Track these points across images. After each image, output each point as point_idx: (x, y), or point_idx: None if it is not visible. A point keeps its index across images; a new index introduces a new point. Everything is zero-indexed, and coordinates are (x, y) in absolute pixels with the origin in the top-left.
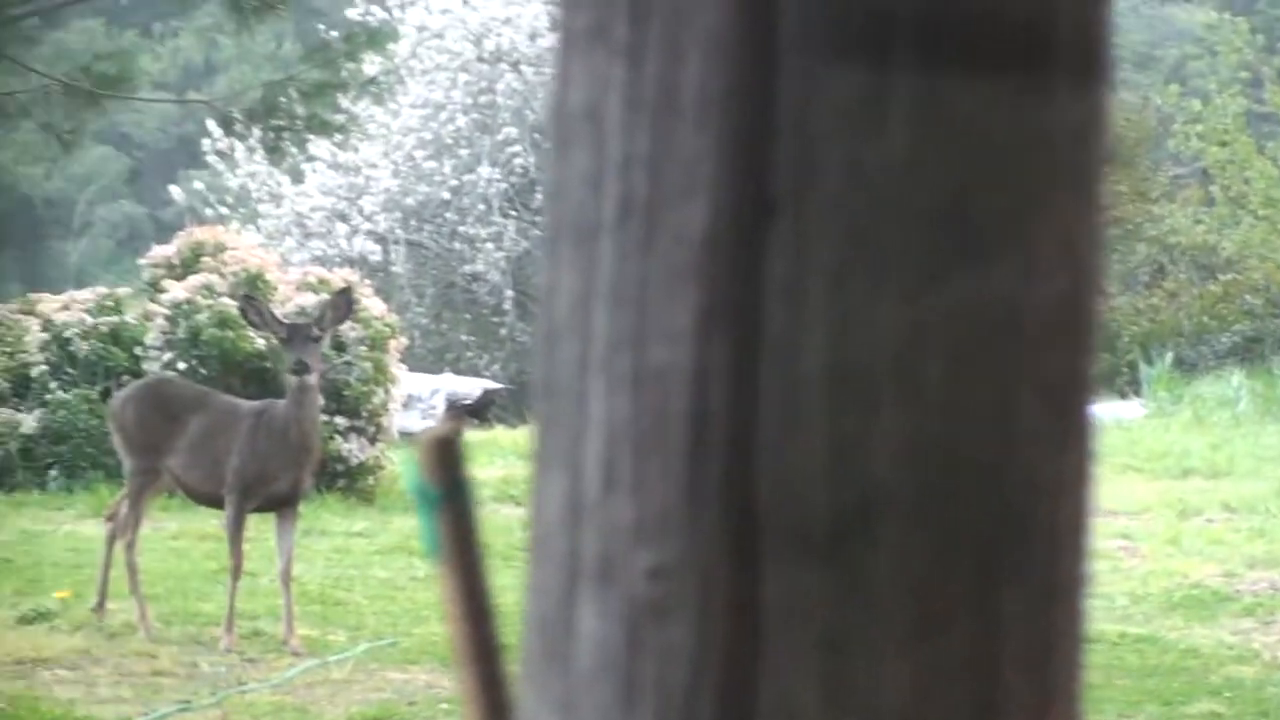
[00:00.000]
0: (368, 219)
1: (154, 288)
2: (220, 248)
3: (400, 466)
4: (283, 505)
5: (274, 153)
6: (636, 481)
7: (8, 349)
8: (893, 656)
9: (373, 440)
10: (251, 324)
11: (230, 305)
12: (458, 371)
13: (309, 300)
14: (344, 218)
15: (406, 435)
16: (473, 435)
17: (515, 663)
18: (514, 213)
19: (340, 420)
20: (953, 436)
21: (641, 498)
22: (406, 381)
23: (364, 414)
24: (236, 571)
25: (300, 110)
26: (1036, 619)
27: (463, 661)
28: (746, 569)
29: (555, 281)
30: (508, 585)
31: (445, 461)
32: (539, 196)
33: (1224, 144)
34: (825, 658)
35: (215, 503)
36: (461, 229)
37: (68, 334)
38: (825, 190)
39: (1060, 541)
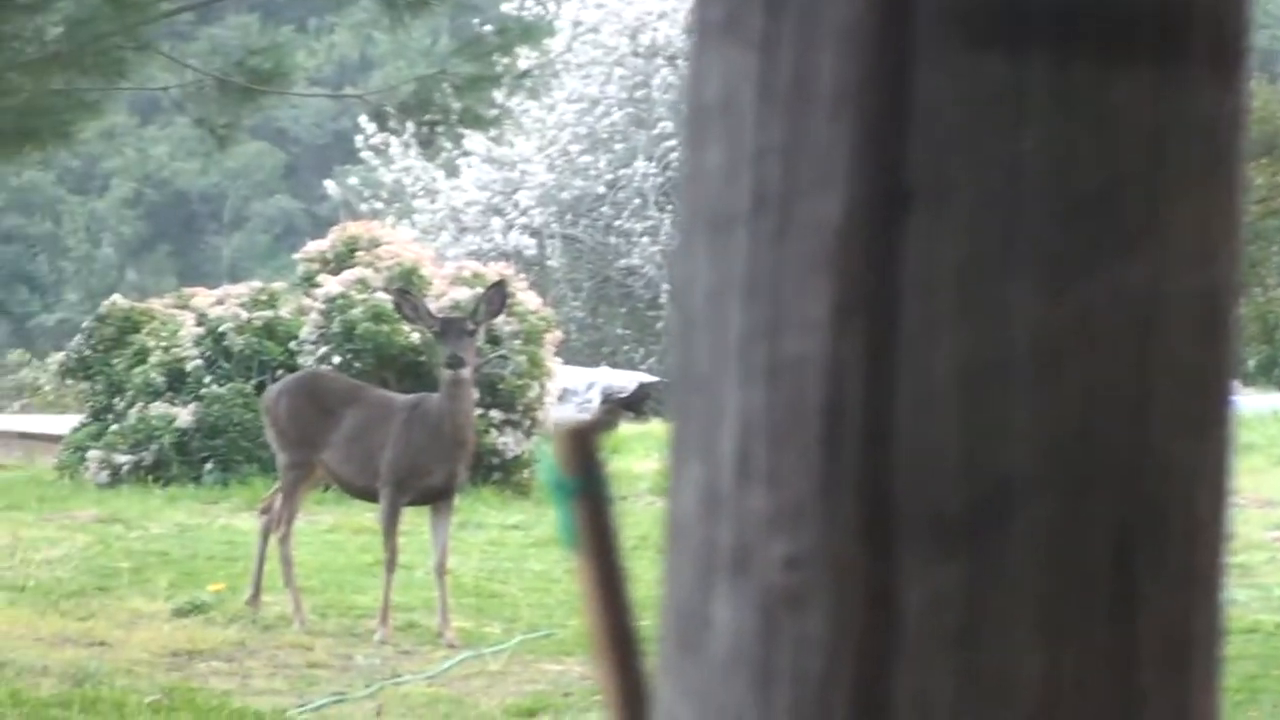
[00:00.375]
0: (523, 213)
1: (308, 282)
2: (375, 242)
3: (537, 458)
4: (438, 499)
5: (428, 147)
6: (772, 472)
7: (163, 343)
8: (1028, 648)
9: (528, 434)
10: (406, 318)
11: (385, 299)
12: (613, 365)
13: (463, 295)
14: (499, 212)
15: None
16: (628, 428)
17: (653, 653)
18: (669, 207)
19: (495, 414)
20: (1089, 426)
21: (777, 488)
22: (562, 375)
23: (519, 408)
24: (391, 564)
25: (454, 104)
26: (1175, 609)
27: (601, 652)
28: (881, 559)
29: (690, 273)
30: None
31: (581, 453)
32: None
33: None
34: (960, 649)
35: (369, 496)
36: (617, 223)
37: (222, 328)
38: (961, 182)
39: (1198, 531)
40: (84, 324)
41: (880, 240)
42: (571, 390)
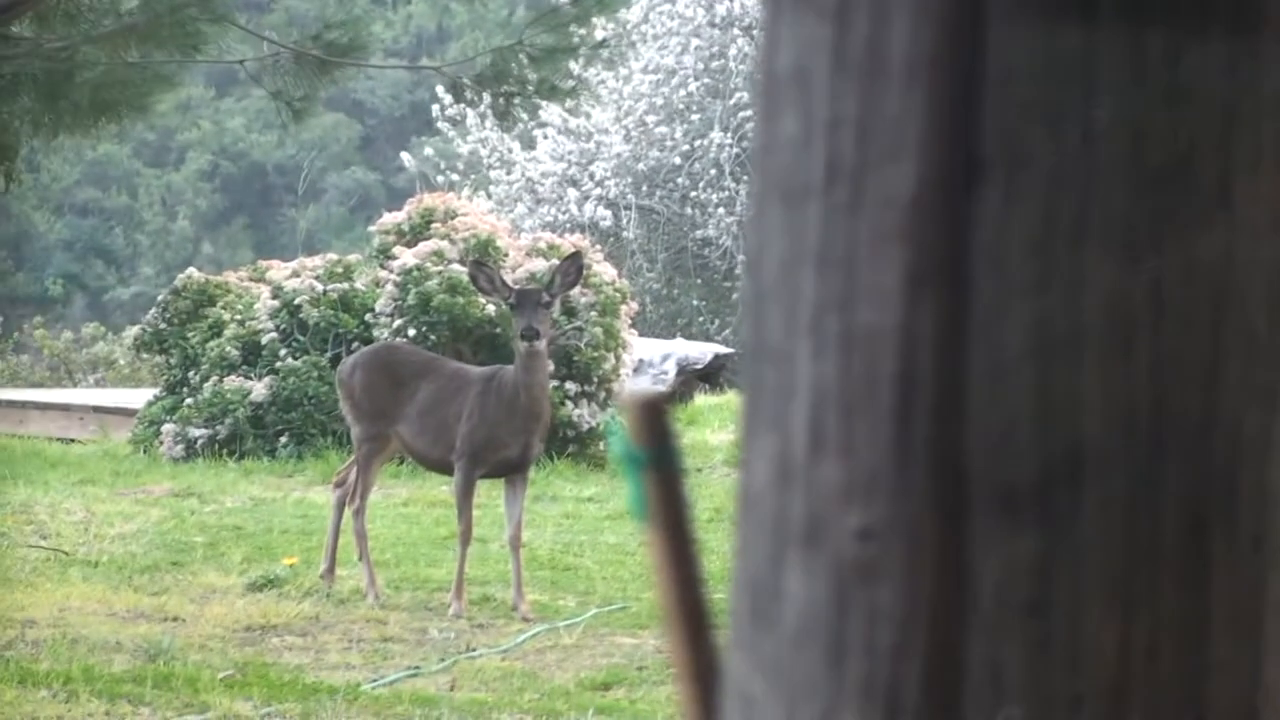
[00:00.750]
0: (599, 184)
1: (384, 254)
2: (451, 214)
3: (611, 431)
4: (512, 471)
5: (504, 119)
6: (844, 443)
7: (238, 317)
8: (1100, 618)
9: (604, 405)
10: (481, 290)
11: (460, 271)
12: (689, 336)
13: (539, 266)
14: (575, 183)
15: None
16: (703, 399)
17: (725, 625)
18: (745, 177)
19: (571, 386)
20: (1161, 396)
21: (849, 459)
22: (637, 347)
23: (595, 379)
24: (466, 537)
25: (530, 76)
26: (1246, 579)
27: (673, 625)
28: (954, 530)
29: (763, 244)
30: (730, 549)
31: (654, 425)
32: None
33: None
34: (1032, 619)
35: (444, 469)
36: (693, 194)
37: (298, 301)
38: (1034, 153)
39: (1269, 500)
40: (159, 297)
41: (953, 211)
42: (647, 362)
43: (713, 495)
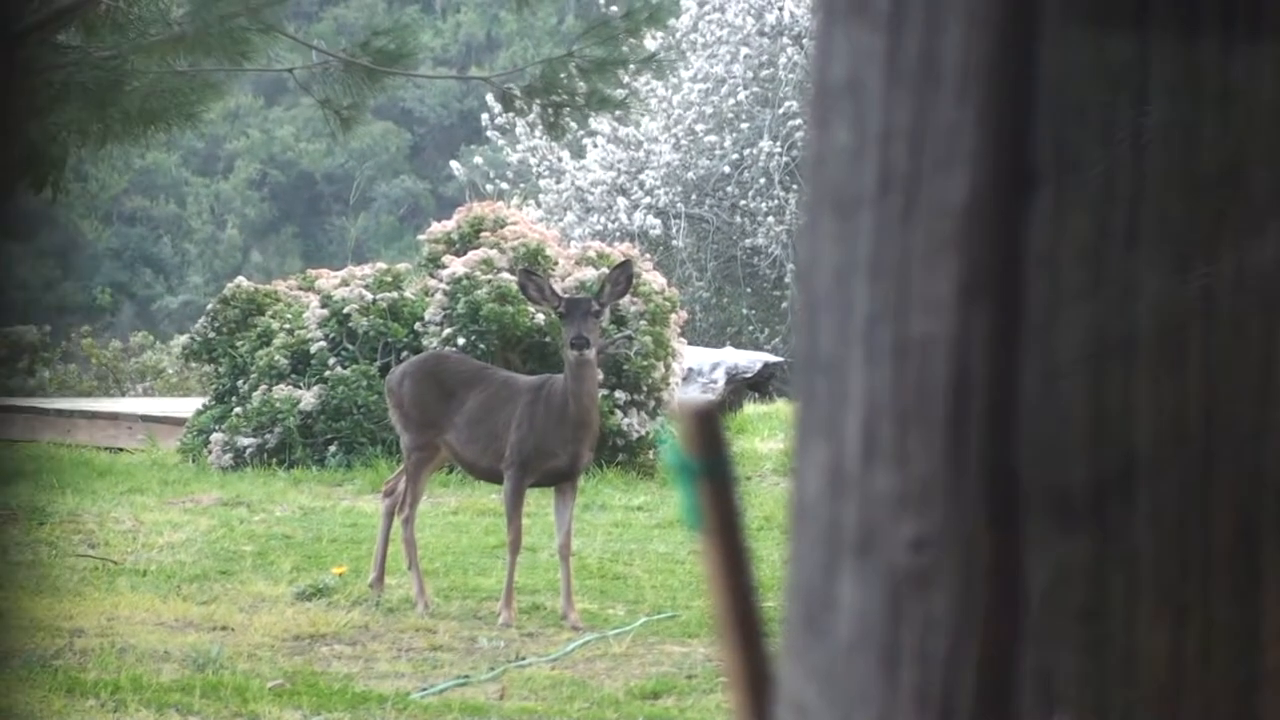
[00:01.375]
0: (648, 193)
1: (433, 263)
2: (500, 223)
3: (662, 439)
4: (562, 480)
5: (554, 129)
6: (897, 452)
7: (287, 325)
8: (1152, 625)
9: (653, 414)
10: (530, 299)
11: (509, 280)
12: (738, 345)
13: (589, 275)
14: (624, 192)
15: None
16: (753, 408)
17: (777, 634)
18: (795, 186)
19: (620, 394)
20: (1212, 404)
21: (903, 468)
22: (687, 355)
23: (644, 388)
24: (515, 546)
25: (581, 86)
26: None
27: (725, 633)
28: (1007, 538)
29: (816, 254)
30: (782, 558)
31: (705, 434)
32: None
33: None
34: (1085, 626)
35: (494, 478)
36: (742, 203)
37: (347, 310)
38: (1085, 160)
39: None
40: (208, 306)
41: (1005, 219)
42: (696, 370)
43: (763, 504)
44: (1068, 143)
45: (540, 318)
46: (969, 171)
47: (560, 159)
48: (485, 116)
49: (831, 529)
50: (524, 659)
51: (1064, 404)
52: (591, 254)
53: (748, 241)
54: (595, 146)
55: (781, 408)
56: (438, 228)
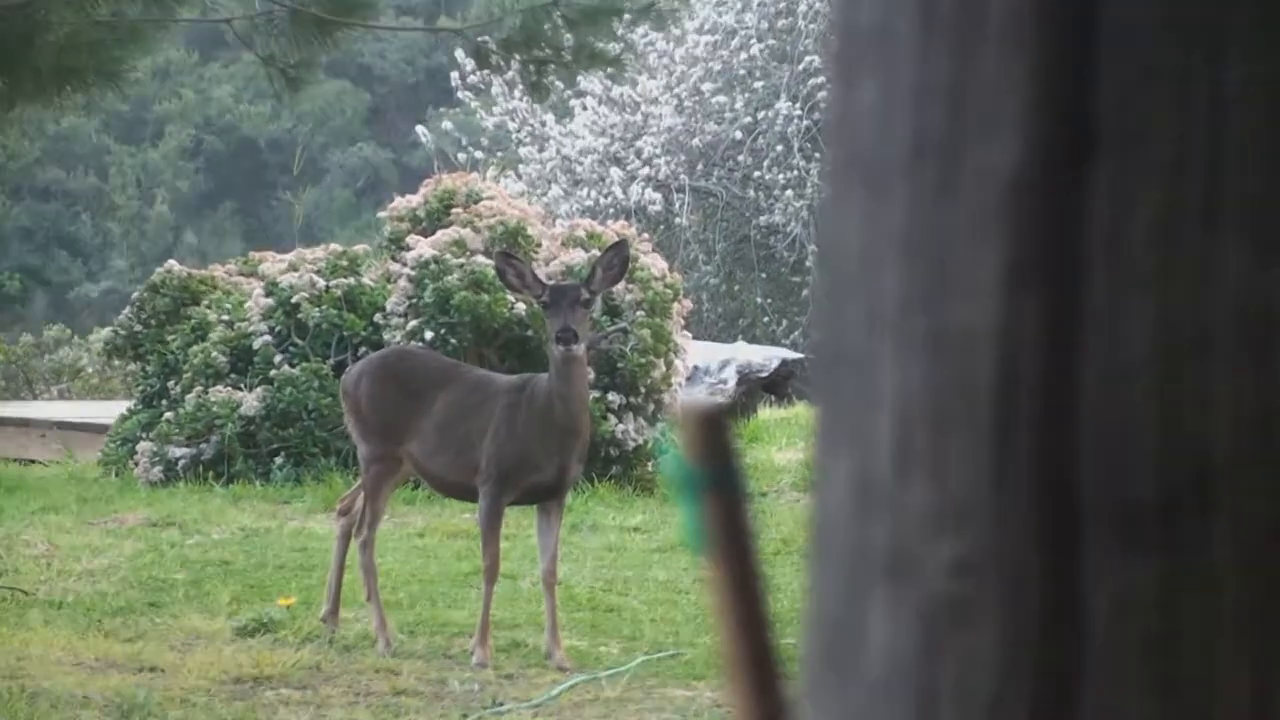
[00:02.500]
0: (646, 163)
1: (396, 244)
2: (474, 197)
3: (663, 449)
4: (546, 497)
5: (536, 89)
6: (935, 462)
7: (226, 317)
8: (1232, 660)
9: (652, 420)
10: (509, 286)
11: (485, 264)
12: (751, 339)
13: (577, 258)
14: (619, 162)
15: None
16: (769, 413)
17: (795, 671)
18: (817, 155)
19: (614, 397)
20: None
21: (941, 480)
22: (692, 351)
23: (642, 390)
24: (492, 574)
25: (568, 39)
26: None
27: (736, 673)
28: (1062, 560)
29: (841, 232)
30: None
31: (714, 442)
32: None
33: None
34: (1154, 658)
35: (467, 494)
36: (756, 174)
37: (295, 299)
38: (1156, 124)
39: None
40: (133, 295)
41: (1060, 192)
42: (702, 369)
43: (780, 523)
44: (1133, 103)
45: (521, 308)
46: (1018, 135)
47: (544, 124)
48: (456, 75)
49: (859, 551)
50: (502, 705)
51: (1129, 405)
52: (580, 234)
53: (762, 219)
54: (584, 109)
55: (802, 412)
56: (401, 203)
